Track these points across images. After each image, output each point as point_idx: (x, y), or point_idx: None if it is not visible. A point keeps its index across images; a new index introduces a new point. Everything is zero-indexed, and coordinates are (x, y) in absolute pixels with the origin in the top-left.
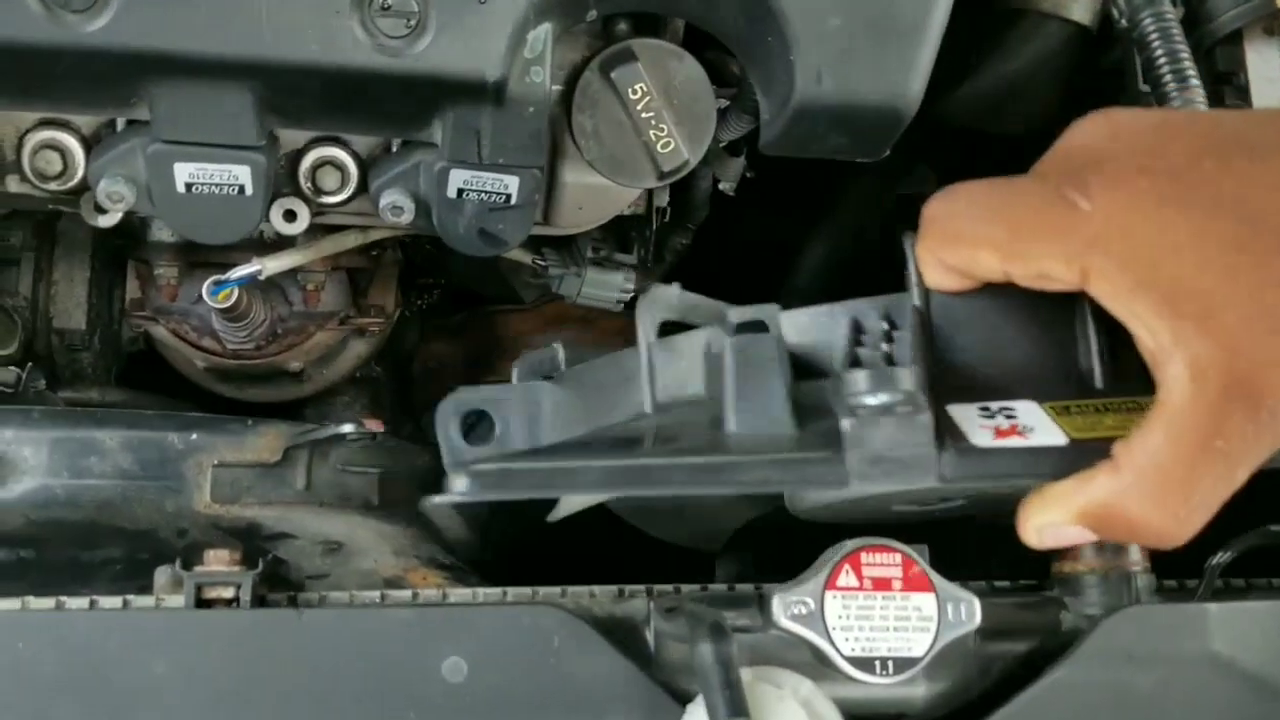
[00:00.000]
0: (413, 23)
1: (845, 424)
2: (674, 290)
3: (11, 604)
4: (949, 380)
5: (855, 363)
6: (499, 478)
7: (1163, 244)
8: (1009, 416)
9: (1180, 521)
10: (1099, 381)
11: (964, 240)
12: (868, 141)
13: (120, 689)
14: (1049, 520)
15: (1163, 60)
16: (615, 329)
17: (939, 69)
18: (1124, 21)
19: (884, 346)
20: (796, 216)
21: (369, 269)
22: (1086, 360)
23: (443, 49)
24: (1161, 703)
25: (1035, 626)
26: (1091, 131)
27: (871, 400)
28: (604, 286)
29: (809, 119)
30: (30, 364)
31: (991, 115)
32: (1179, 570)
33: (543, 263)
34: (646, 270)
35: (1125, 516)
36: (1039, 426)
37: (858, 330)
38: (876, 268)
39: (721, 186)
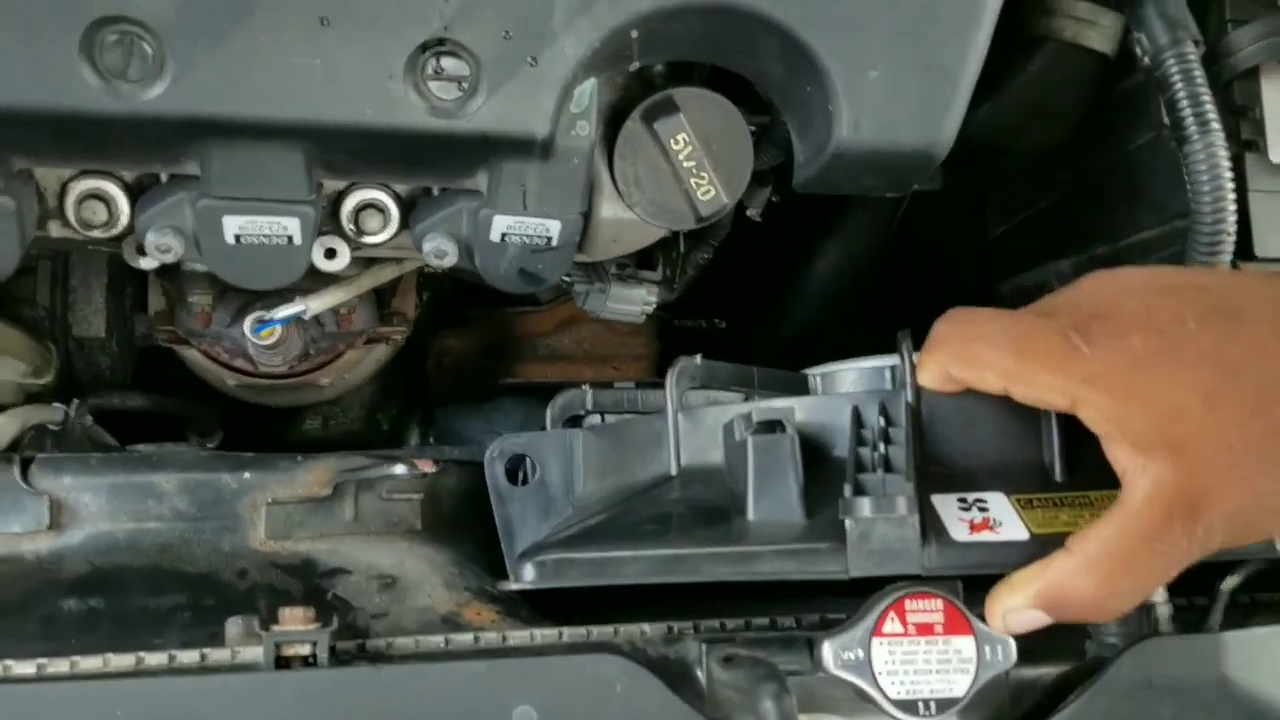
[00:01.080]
0: (465, 85)
1: (849, 525)
2: (697, 361)
3: (94, 661)
4: (931, 469)
5: (859, 466)
6: (558, 567)
7: (1146, 389)
8: (982, 509)
9: (1116, 599)
10: (1058, 474)
11: (975, 363)
12: (900, 181)
13: None
14: (1013, 605)
15: (1185, 102)
16: (629, 327)
17: None
18: (1147, 60)
19: (881, 447)
20: (811, 217)
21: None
22: (1049, 454)
23: (494, 109)
24: None
25: (1061, 656)
26: (1099, 287)
27: (867, 514)
28: (627, 301)
29: (844, 163)
30: (76, 400)
31: (1011, 135)
32: (1193, 587)
33: (569, 279)
34: (671, 285)
35: (1074, 594)
36: (1006, 521)
37: (859, 424)
38: (886, 268)
39: (749, 213)
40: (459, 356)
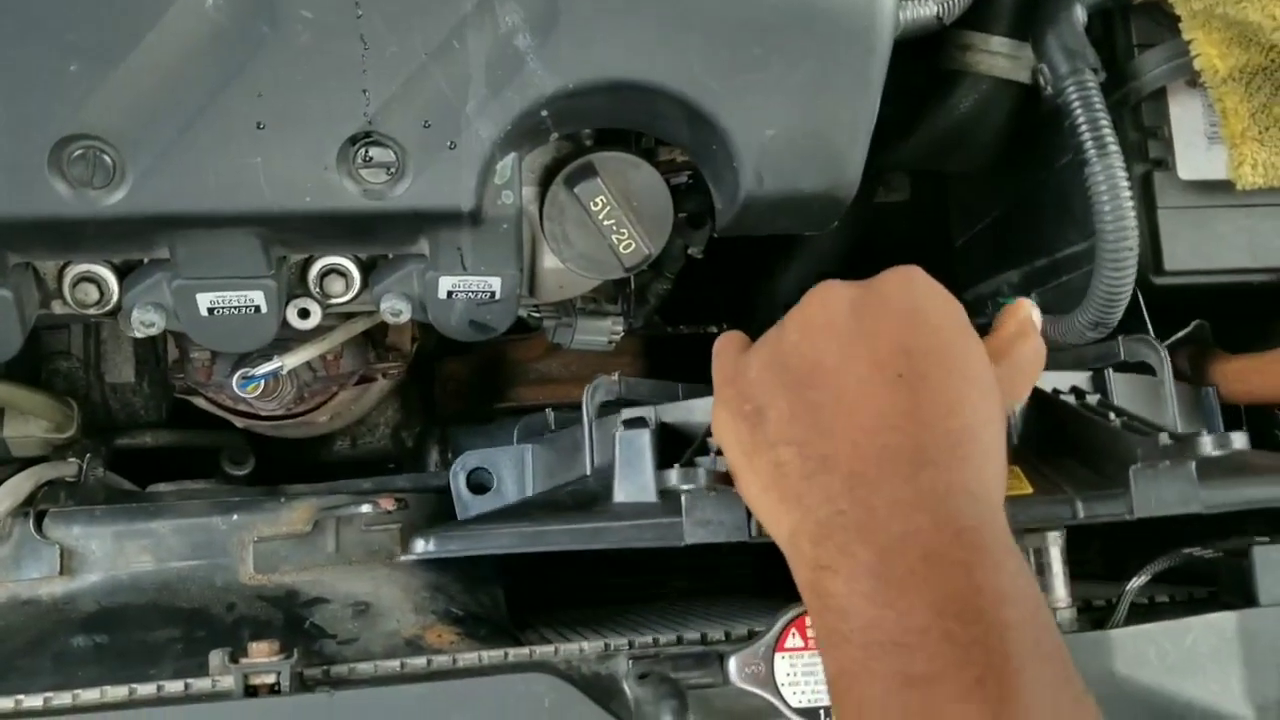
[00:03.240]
0: (393, 170)
1: (683, 499)
2: (613, 379)
3: (93, 694)
4: None
5: (701, 450)
6: (445, 539)
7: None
8: None
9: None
10: None
11: None
12: (812, 222)
13: None
14: None
15: (1084, 128)
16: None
17: (888, 123)
18: (1049, 89)
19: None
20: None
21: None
22: None
23: (421, 189)
24: None
25: None
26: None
27: (685, 487)
28: (594, 332)
29: (755, 210)
30: (89, 454)
31: (937, 160)
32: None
33: (537, 315)
34: (631, 316)
35: None
36: None
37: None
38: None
39: (690, 251)
40: (460, 381)
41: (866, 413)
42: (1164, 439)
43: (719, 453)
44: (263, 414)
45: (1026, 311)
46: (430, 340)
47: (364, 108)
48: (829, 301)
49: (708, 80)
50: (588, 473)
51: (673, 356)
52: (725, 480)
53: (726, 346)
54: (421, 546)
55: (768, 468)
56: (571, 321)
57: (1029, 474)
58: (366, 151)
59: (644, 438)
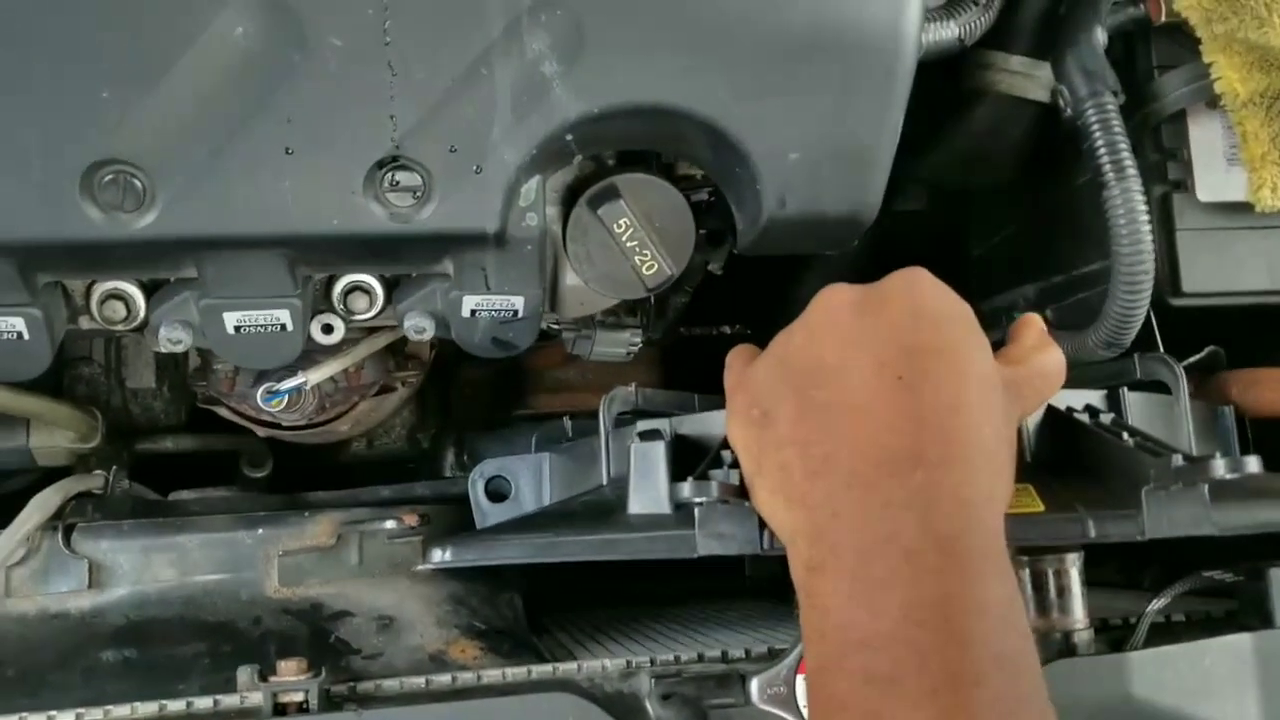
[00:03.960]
0: (419, 194)
1: (696, 511)
2: (630, 390)
3: (123, 710)
4: None
5: (715, 463)
6: (461, 549)
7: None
8: None
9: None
10: None
11: None
12: (833, 243)
13: None
14: None
15: (1103, 151)
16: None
17: (911, 139)
18: (1069, 111)
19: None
20: None
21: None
22: None
23: (447, 212)
24: None
25: None
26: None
27: (698, 499)
28: (613, 344)
29: (776, 232)
30: (114, 465)
31: (957, 176)
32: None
33: (557, 327)
34: (650, 329)
35: None
36: None
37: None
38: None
39: (710, 267)
40: (478, 387)
41: (869, 413)
42: (1177, 460)
43: (733, 465)
44: (285, 424)
45: (1040, 324)
46: (450, 346)
47: (391, 133)
48: (833, 304)
49: (732, 104)
50: (604, 483)
51: (688, 360)
52: (738, 493)
53: (737, 357)
54: (439, 556)
55: (775, 470)
56: (591, 334)
57: (1041, 492)
58: (393, 175)
59: (659, 450)
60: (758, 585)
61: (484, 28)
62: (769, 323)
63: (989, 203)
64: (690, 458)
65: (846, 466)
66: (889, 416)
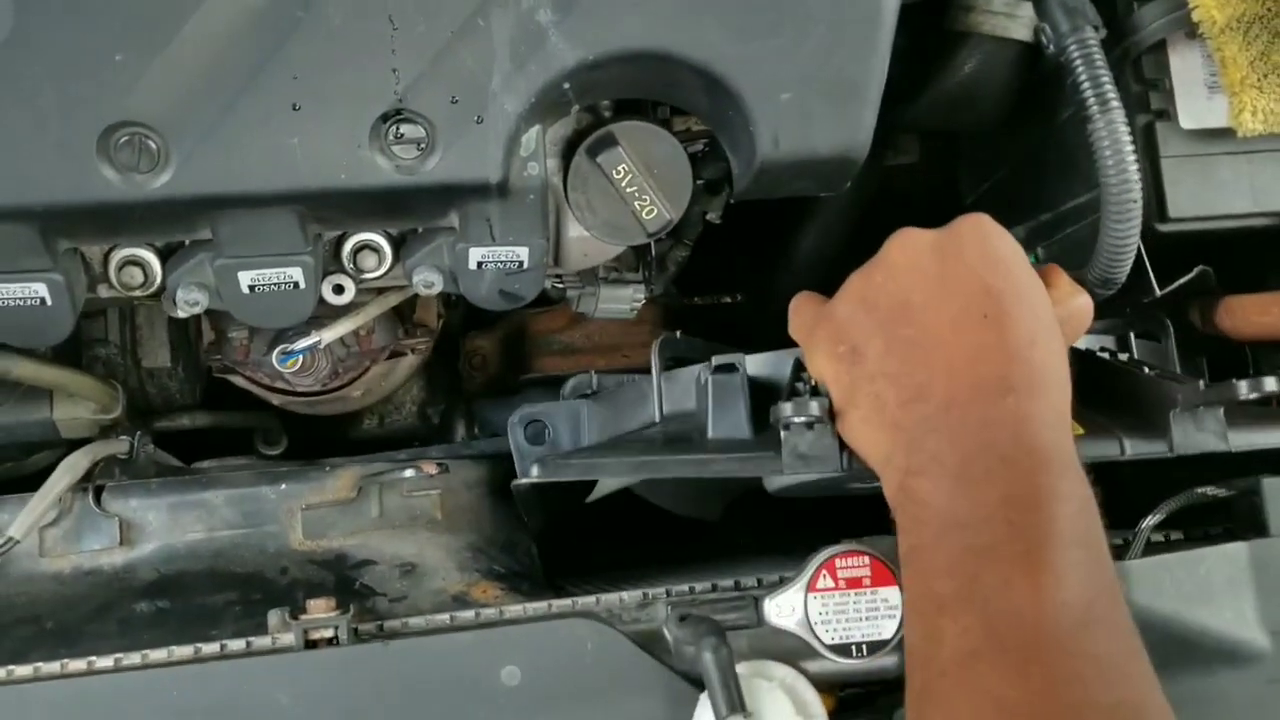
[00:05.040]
0: (423, 146)
1: (783, 434)
2: (677, 337)
3: (160, 653)
4: None
5: (793, 393)
6: (558, 466)
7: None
8: None
9: None
10: None
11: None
12: (827, 183)
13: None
14: None
15: (1086, 85)
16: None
17: (897, 85)
18: (1051, 48)
19: (811, 383)
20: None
21: (412, 297)
22: None
23: (450, 163)
24: None
25: None
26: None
27: (797, 419)
28: (617, 300)
29: (771, 173)
30: (139, 431)
31: (945, 120)
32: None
33: (560, 286)
34: (652, 283)
35: None
36: None
37: (799, 368)
38: (867, 239)
39: (709, 217)
40: (486, 355)
41: (959, 347)
42: (1201, 384)
43: (814, 391)
44: (299, 390)
45: (1064, 273)
46: (454, 318)
47: (394, 86)
48: (910, 246)
49: (723, 47)
50: (656, 420)
51: (690, 327)
52: (828, 416)
53: (804, 303)
54: (535, 472)
55: (868, 399)
56: (595, 290)
57: (1079, 418)
58: (398, 128)
59: (737, 380)
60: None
61: None
62: (769, 286)
63: (978, 149)
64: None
65: (943, 394)
66: (980, 349)
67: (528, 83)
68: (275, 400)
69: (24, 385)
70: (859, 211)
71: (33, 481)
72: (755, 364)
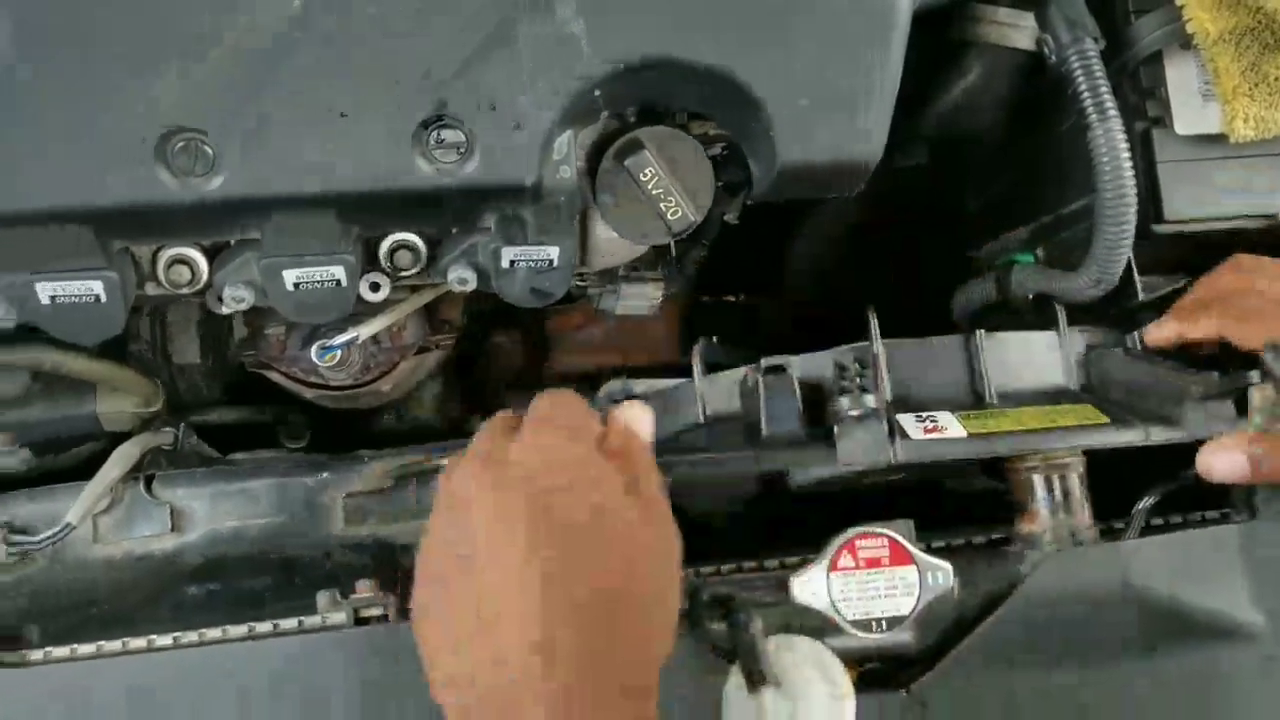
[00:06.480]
0: (462, 150)
1: (836, 427)
2: (714, 343)
3: (215, 632)
4: (895, 397)
5: (842, 390)
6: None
7: None
8: (933, 420)
9: None
10: (990, 396)
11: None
12: (842, 185)
13: (317, 690)
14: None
15: (1086, 95)
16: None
17: (906, 94)
18: (1053, 58)
19: (858, 379)
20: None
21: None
22: (981, 384)
23: (488, 166)
24: (1088, 627)
25: (999, 576)
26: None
27: (854, 413)
28: (637, 297)
29: (790, 177)
30: (182, 423)
31: (950, 126)
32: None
33: (582, 285)
34: (671, 281)
35: None
36: (950, 427)
37: (840, 368)
38: (873, 239)
39: (726, 218)
40: (507, 352)
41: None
42: (1215, 376)
43: (861, 385)
44: (332, 384)
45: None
46: (475, 315)
47: (436, 94)
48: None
49: (746, 55)
50: (700, 420)
51: (698, 324)
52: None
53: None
54: None
55: None
56: (616, 289)
57: (1101, 408)
58: (439, 133)
59: (789, 379)
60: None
61: None
62: (775, 287)
63: (982, 160)
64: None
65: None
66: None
67: (560, 90)
68: (308, 394)
69: (68, 380)
70: (866, 212)
71: (65, 476)
72: (796, 365)
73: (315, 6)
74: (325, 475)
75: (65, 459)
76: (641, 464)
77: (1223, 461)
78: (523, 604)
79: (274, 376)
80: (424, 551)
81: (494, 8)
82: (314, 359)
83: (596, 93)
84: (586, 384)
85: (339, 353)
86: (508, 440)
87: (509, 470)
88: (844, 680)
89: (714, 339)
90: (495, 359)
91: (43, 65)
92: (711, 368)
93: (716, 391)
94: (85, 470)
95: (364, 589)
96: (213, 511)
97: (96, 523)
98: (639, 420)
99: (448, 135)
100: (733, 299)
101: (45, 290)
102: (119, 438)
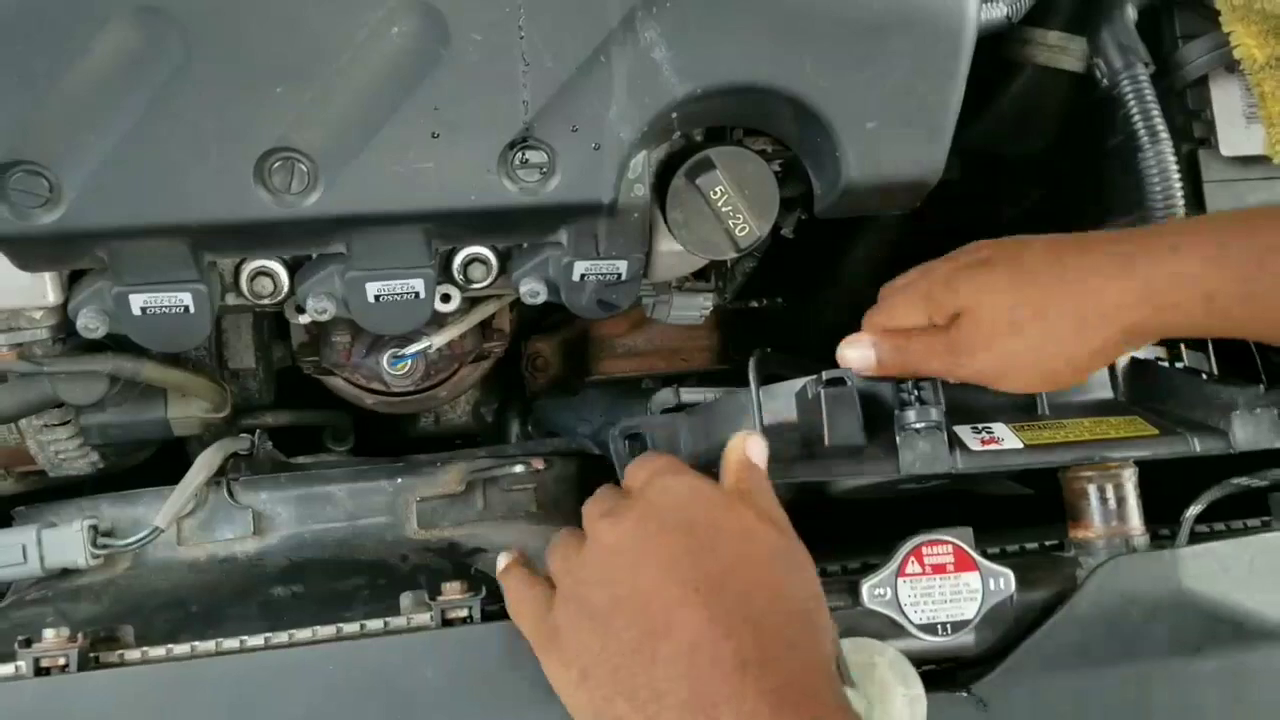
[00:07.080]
0: (545, 170)
1: (899, 437)
2: (770, 353)
3: (305, 633)
4: (952, 410)
5: (904, 404)
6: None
7: None
8: (989, 432)
9: None
10: (1043, 409)
11: None
12: (902, 203)
13: (406, 691)
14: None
15: (1137, 117)
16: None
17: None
18: (1105, 81)
19: (916, 393)
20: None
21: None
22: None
23: (569, 186)
24: (1143, 631)
25: (1056, 580)
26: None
27: (919, 425)
28: (688, 308)
29: (853, 195)
30: (258, 429)
31: (999, 144)
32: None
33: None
34: (723, 292)
35: None
36: (1006, 438)
37: (898, 381)
38: (909, 249)
39: (782, 232)
40: (548, 358)
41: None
42: (1260, 389)
43: (920, 398)
44: (394, 390)
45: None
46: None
47: (523, 116)
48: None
49: (817, 80)
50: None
51: (737, 331)
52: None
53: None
54: None
55: None
56: (669, 298)
57: (1149, 420)
58: (523, 154)
59: (851, 391)
60: None
61: (604, 20)
62: (812, 295)
63: (1019, 170)
64: None
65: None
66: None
67: (641, 113)
68: (369, 401)
69: (139, 386)
70: (905, 223)
71: (123, 481)
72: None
73: (417, 32)
74: (400, 480)
75: (125, 462)
76: (765, 490)
77: (854, 352)
78: (708, 629)
79: (334, 383)
80: (562, 601)
81: (585, 34)
82: (385, 368)
83: (674, 115)
84: (626, 389)
85: (409, 362)
86: (618, 500)
87: (648, 515)
88: (917, 682)
89: (768, 350)
90: (534, 364)
91: (158, 91)
92: (773, 379)
93: (773, 401)
94: (143, 473)
95: (450, 591)
96: (294, 515)
97: (181, 525)
98: (756, 451)
99: (532, 156)
100: (756, 305)
101: (137, 302)
102: (184, 442)
